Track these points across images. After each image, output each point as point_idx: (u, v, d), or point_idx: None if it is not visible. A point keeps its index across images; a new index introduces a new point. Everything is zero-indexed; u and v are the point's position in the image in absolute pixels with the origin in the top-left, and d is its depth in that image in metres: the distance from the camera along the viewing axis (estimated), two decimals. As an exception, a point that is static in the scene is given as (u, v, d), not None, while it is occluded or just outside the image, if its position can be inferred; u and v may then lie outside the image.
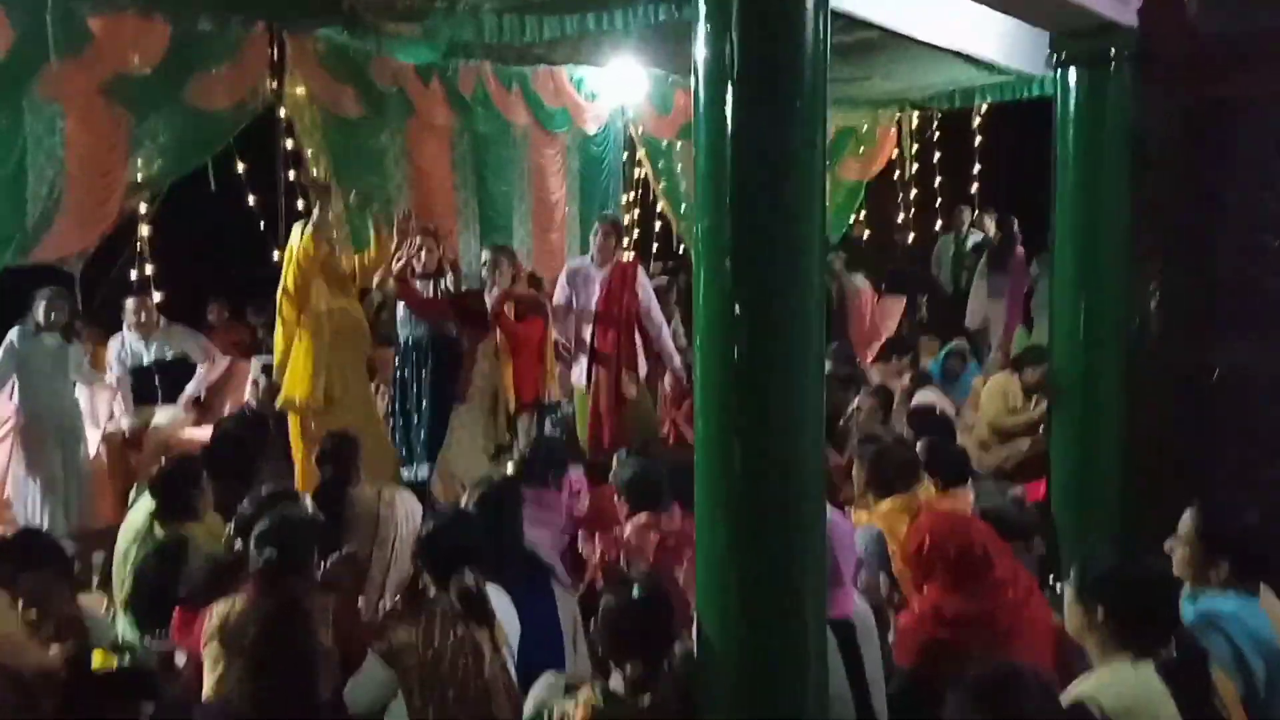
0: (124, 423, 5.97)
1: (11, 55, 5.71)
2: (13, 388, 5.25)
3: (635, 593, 2.48)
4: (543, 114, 9.20)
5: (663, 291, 6.73)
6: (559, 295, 6.04)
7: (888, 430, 4.69)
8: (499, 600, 3.09)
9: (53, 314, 5.22)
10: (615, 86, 9.50)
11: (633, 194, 10.92)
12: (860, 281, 9.17)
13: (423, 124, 8.32)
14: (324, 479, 3.98)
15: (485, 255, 6.10)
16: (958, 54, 4.83)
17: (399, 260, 5.45)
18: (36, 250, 6.23)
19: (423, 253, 5.50)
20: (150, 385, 6.16)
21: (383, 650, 2.85)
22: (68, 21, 5.87)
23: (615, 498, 3.93)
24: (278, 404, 5.21)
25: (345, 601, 3.14)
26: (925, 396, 6.63)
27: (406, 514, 3.69)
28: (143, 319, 6.22)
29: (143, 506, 3.82)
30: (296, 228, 5.42)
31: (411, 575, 3.13)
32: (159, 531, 3.66)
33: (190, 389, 6.23)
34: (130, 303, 6.30)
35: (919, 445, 4.13)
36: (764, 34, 2.14)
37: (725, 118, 2.20)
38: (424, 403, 5.38)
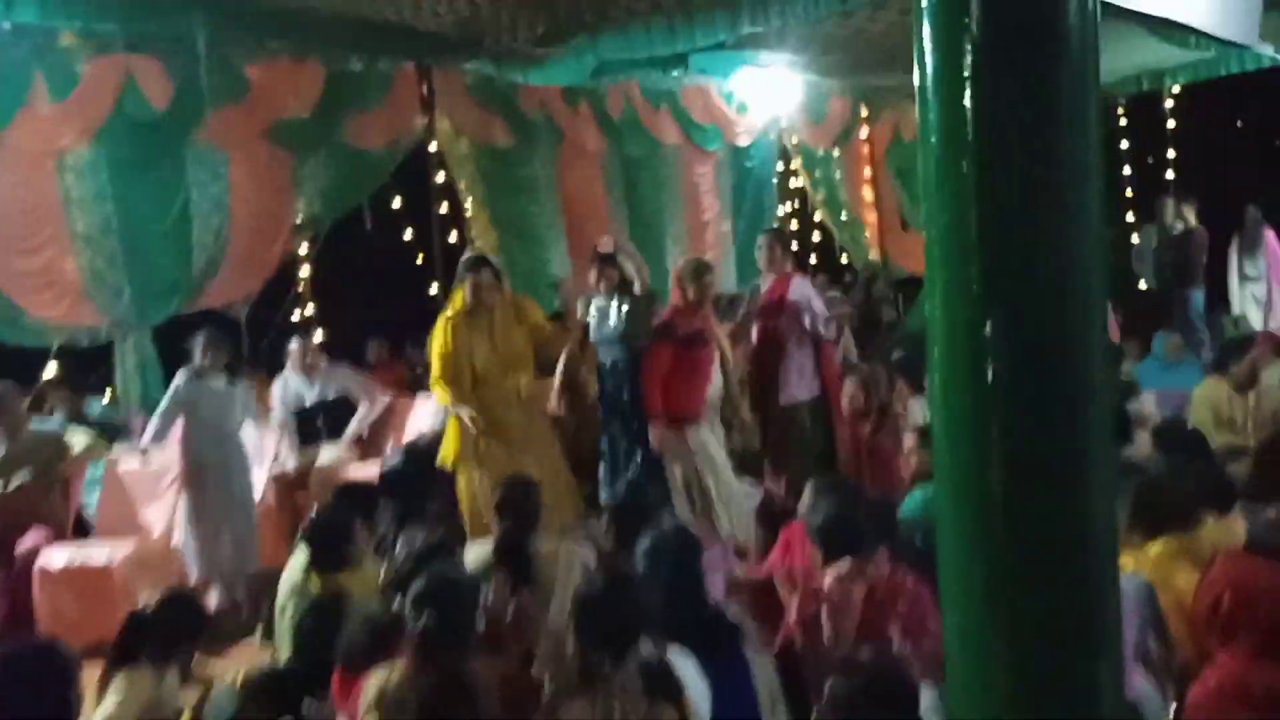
0: (289, 463, 5.94)
1: (172, 106, 5.80)
2: (177, 431, 5.22)
3: (868, 675, 2.04)
4: (694, 131, 8.92)
5: (837, 304, 6.16)
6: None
7: (1152, 458, 3.86)
8: (683, 665, 2.68)
9: (211, 355, 5.18)
10: (768, 98, 9.11)
11: (790, 205, 10.48)
12: None
13: (572, 149, 8.18)
14: (503, 529, 3.62)
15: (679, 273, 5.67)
16: (1163, 26, 4.15)
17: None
18: (202, 298, 6.32)
19: (602, 283, 5.21)
20: (313, 425, 6.12)
21: (554, 728, 2.48)
22: (224, 70, 5.93)
23: (806, 538, 3.43)
24: (439, 461, 4.91)
25: (513, 669, 2.80)
26: (1139, 406, 5.85)
27: (585, 570, 3.31)
28: (307, 361, 6.21)
29: (298, 558, 3.61)
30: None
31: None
32: (315, 583, 3.44)
33: (353, 428, 6.17)
34: (294, 345, 6.30)
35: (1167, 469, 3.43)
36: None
37: (963, 94, 1.76)
38: (634, 424, 5.03)
